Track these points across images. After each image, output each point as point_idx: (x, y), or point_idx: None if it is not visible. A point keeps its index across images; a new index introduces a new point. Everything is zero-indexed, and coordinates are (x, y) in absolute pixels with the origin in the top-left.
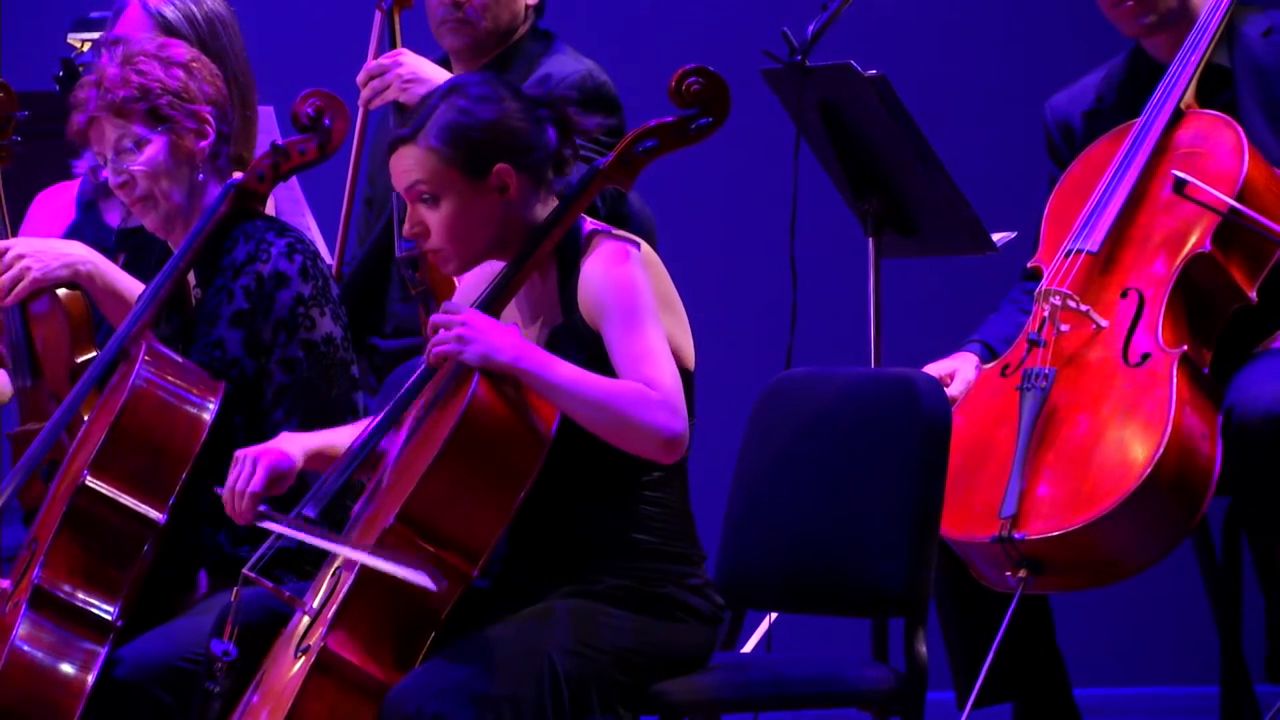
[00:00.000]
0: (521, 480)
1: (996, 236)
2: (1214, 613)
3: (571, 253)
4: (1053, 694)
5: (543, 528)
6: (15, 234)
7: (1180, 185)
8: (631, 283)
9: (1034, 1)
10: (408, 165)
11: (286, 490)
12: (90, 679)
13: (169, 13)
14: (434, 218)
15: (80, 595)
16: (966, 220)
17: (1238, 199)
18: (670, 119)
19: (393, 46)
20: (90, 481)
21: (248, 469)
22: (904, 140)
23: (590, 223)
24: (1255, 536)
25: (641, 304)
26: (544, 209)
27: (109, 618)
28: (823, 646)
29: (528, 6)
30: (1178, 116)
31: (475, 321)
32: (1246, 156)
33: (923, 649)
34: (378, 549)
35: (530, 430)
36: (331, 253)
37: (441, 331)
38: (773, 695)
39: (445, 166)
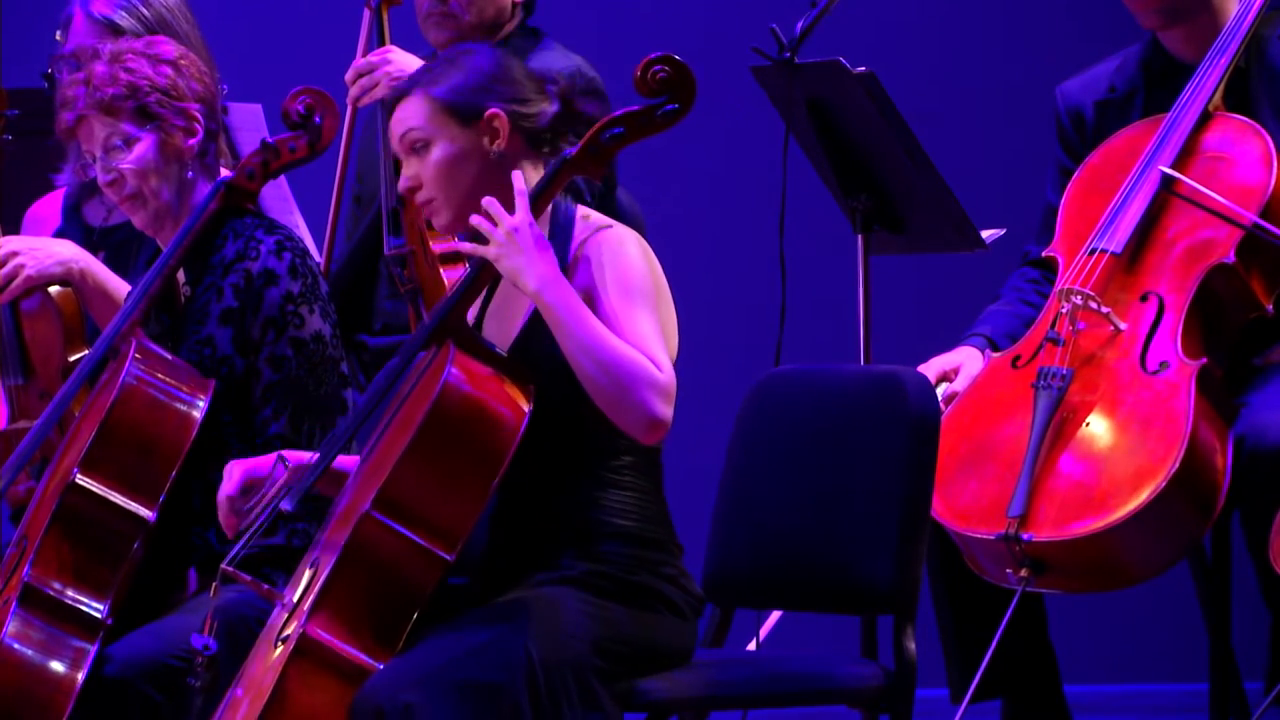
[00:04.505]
0: (497, 463)
1: (985, 234)
2: (1203, 610)
3: (562, 234)
4: (1043, 690)
5: (515, 514)
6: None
7: (1169, 182)
8: (643, 265)
9: None
10: (404, 114)
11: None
12: (80, 677)
13: (117, 17)
14: (426, 165)
15: (70, 593)
16: (955, 217)
17: (1264, 210)
18: (636, 107)
19: (381, 44)
20: (80, 479)
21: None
22: (893, 137)
23: (584, 211)
24: (1262, 563)
25: (649, 287)
26: (534, 176)
27: (99, 615)
28: (812, 644)
29: (515, 4)
30: (1205, 118)
31: (524, 234)
32: (1275, 166)
33: (912, 646)
34: (357, 542)
35: (504, 414)
36: (320, 250)
37: (486, 224)
38: (762, 692)
39: (438, 110)
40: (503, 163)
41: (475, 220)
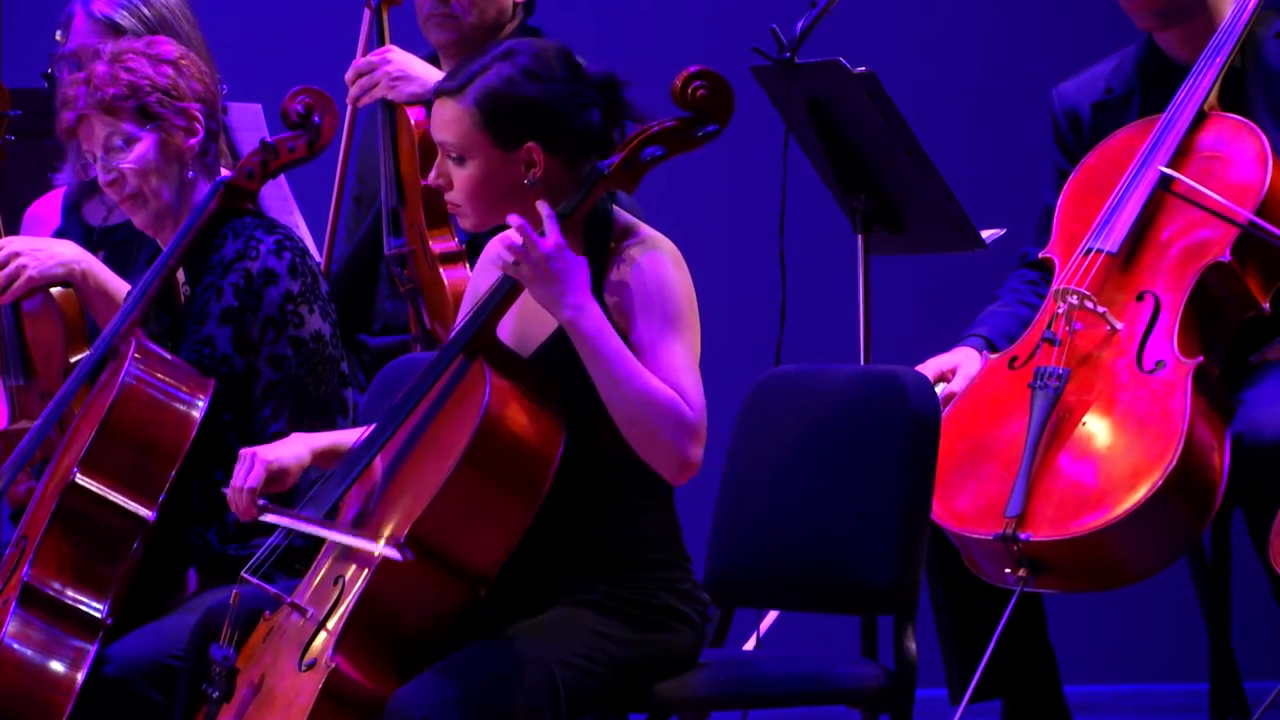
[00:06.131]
0: (535, 495)
1: (986, 233)
2: (1203, 609)
3: (596, 240)
4: (1043, 690)
5: (535, 539)
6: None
7: (1167, 181)
8: (680, 287)
9: None
10: (444, 119)
11: (289, 488)
12: (80, 677)
13: (118, 16)
14: (459, 175)
15: (70, 593)
16: (955, 217)
17: (1260, 209)
18: (672, 123)
19: (381, 44)
20: (79, 479)
21: (246, 465)
22: (893, 137)
23: (621, 215)
24: (1267, 563)
25: (685, 311)
26: (570, 188)
27: (98, 615)
28: (812, 644)
29: (516, 4)
30: (1200, 118)
31: (557, 261)
32: (1270, 166)
33: (912, 646)
34: (383, 575)
35: (542, 443)
36: (320, 250)
37: (521, 242)
38: (762, 693)
39: (477, 130)
40: (537, 186)
41: (506, 243)
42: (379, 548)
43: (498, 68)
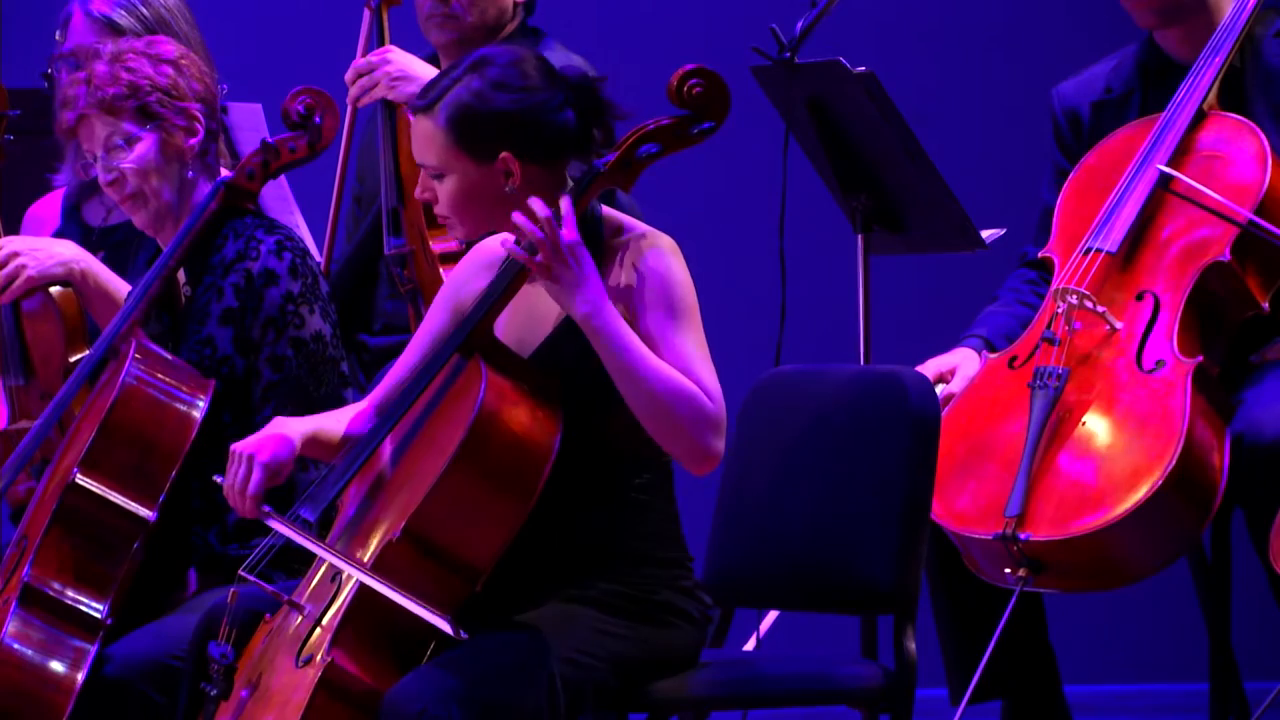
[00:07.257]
0: (530, 491)
1: (985, 233)
2: (1203, 609)
3: (590, 238)
4: (1043, 691)
5: (535, 534)
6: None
7: (1167, 181)
8: (684, 279)
9: None
10: (419, 136)
11: (286, 479)
12: (80, 677)
13: (116, 16)
14: (441, 190)
15: (70, 593)
16: (955, 217)
17: (1259, 208)
18: (668, 121)
19: (381, 44)
20: (80, 479)
21: (244, 469)
22: (893, 137)
23: (611, 213)
24: (1267, 563)
25: (691, 303)
26: (552, 183)
27: (99, 615)
28: (812, 644)
29: (516, 4)
30: (1199, 117)
31: (576, 254)
32: (1270, 165)
33: (912, 646)
34: (380, 570)
35: (538, 440)
36: (320, 250)
37: (532, 229)
38: (762, 693)
39: (450, 146)
40: (518, 193)
41: (521, 222)
42: (375, 582)
43: (466, 81)
